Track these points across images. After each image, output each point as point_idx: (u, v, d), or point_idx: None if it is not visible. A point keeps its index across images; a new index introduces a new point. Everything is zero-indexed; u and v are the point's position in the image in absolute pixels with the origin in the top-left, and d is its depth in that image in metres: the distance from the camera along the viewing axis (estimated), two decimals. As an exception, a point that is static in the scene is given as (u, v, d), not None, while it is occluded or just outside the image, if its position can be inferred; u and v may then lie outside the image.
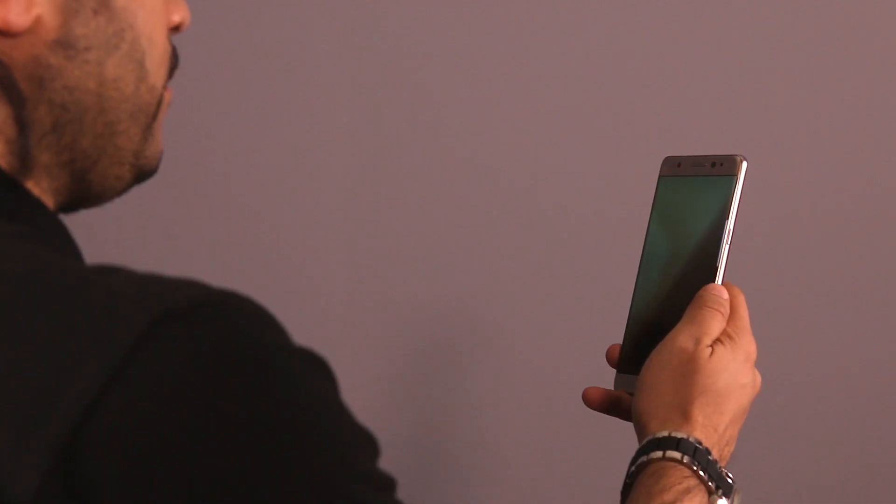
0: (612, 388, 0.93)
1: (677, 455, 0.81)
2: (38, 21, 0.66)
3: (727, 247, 0.89)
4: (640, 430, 0.85)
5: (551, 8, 1.48)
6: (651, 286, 0.93)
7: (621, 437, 1.49)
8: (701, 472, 0.81)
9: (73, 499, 0.55)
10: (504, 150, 1.49)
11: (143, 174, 0.74)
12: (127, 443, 0.55)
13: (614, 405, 0.92)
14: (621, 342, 0.94)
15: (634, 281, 0.94)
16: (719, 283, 0.89)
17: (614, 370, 0.94)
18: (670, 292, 0.91)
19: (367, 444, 0.61)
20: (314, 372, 0.60)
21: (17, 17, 0.65)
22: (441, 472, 1.53)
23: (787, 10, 1.47)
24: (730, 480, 0.82)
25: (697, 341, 0.85)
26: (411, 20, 1.48)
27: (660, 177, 0.94)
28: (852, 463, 1.50)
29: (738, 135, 1.48)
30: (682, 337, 0.85)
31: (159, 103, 0.73)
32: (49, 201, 0.71)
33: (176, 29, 0.74)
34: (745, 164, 0.90)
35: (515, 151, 1.49)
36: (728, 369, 0.85)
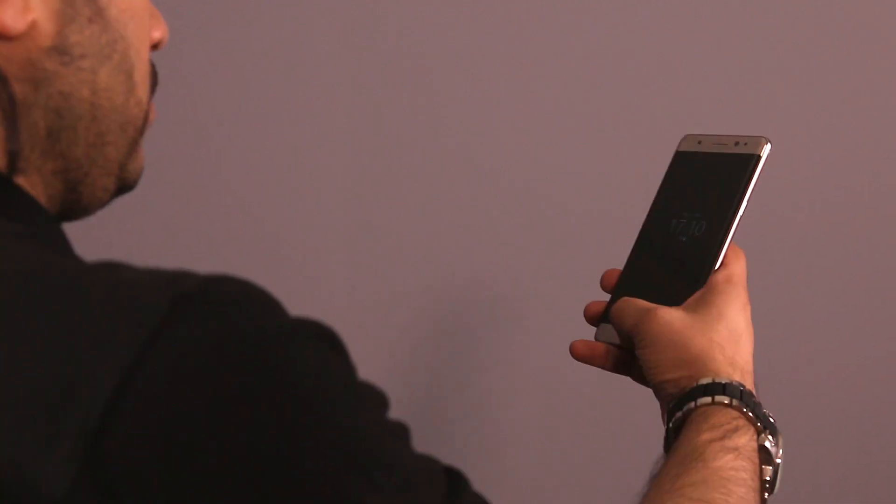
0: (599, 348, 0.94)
1: (725, 399, 0.82)
2: (33, 26, 0.66)
3: (737, 220, 0.90)
4: (674, 381, 0.86)
5: (551, 7, 1.48)
6: (652, 249, 0.93)
7: (620, 436, 1.50)
8: (749, 413, 0.82)
9: (104, 490, 0.55)
10: (504, 148, 1.49)
11: (123, 187, 0.75)
12: (157, 426, 0.55)
13: (605, 356, 0.94)
14: (609, 298, 0.94)
15: (634, 240, 0.94)
16: (724, 252, 0.90)
17: (599, 326, 0.94)
18: (675, 257, 0.91)
19: (377, 399, 0.63)
20: (316, 341, 0.60)
21: (13, 21, 0.66)
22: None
23: (787, 5, 1.47)
24: (772, 421, 0.84)
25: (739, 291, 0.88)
26: (411, 20, 1.48)
27: (677, 151, 0.95)
28: (851, 461, 1.50)
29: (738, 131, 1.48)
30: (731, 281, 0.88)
31: (145, 118, 0.73)
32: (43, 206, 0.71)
33: (154, 47, 0.75)
34: (768, 146, 0.90)
35: (515, 150, 1.50)
36: (743, 313, 0.88)
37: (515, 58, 1.49)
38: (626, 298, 0.90)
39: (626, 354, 0.92)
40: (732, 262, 0.89)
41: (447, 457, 1.53)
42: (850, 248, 1.50)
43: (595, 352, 0.93)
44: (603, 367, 0.94)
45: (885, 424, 1.51)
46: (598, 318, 0.95)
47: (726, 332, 0.85)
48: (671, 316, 0.86)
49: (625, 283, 0.93)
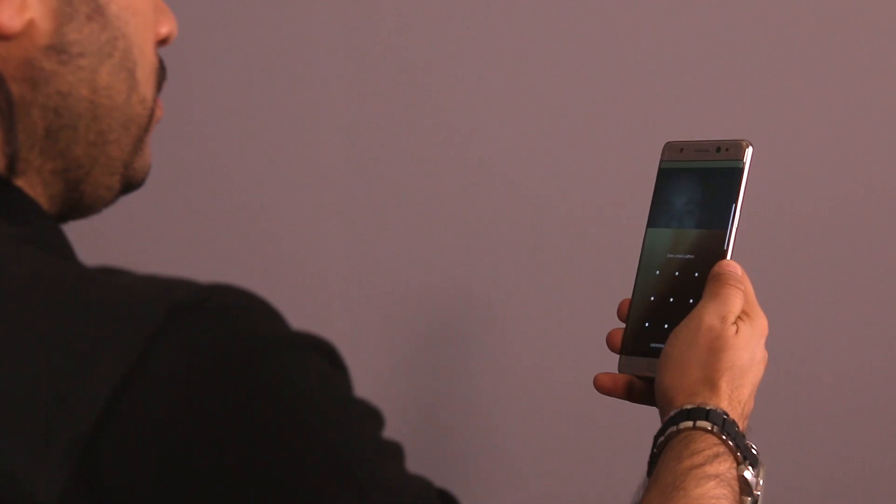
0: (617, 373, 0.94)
1: (707, 425, 0.82)
2: (31, 25, 0.66)
3: (735, 231, 0.91)
4: (666, 405, 0.86)
5: (551, 8, 1.48)
6: (655, 271, 0.94)
7: (619, 436, 1.49)
8: (730, 442, 0.82)
9: (96, 498, 0.54)
10: (503, 150, 1.49)
11: (130, 185, 0.74)
12: (150, 434, 0.55)
13: (626, 389, 0.94)
14: (624, 327, 0.95)
15: (637, 265, 0.95)
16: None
17: (619, 358, 0.95)
18: (677, 276, 0.92)
19: (373, 417, 0.63)
20: (314, 354, 0.60)
21: (9, 21, 0.65)
22: (438, 469, 1.53)
23: (787, 6, 1.47)
24: (754, 452, 0.84)
25: (723, 319, 0.87)
26: (411, 20, 1.48)
27: (661, 162, 0.96)
28: (850, 461, 1.50)
29: (740, 133, 1.48)
30: (708, 315, 0.87)
31: (150, 115, 0.73)
32: (43, 207, 0.70)
33: (163, 42, 0.74)
34: (750, 150, 0.92)
35: (514, 152, 1.49)
36: (749, 346, 0.87)
37: (515, 58, 1.48)
38: None
39: (647, 385, 0.92)
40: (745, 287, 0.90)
41: (444, 457, 1.53)
42: (849, 248, 1.49)
43: (618, 384, 0.94)
44: (626, 399, 0.94)
45: (885, 424, 1.50)
46: (619, 348, 0.95)
47: (733, 368, 0.86)
48: (687, 341, 0.87)
49: (636, 312, 0.94)
